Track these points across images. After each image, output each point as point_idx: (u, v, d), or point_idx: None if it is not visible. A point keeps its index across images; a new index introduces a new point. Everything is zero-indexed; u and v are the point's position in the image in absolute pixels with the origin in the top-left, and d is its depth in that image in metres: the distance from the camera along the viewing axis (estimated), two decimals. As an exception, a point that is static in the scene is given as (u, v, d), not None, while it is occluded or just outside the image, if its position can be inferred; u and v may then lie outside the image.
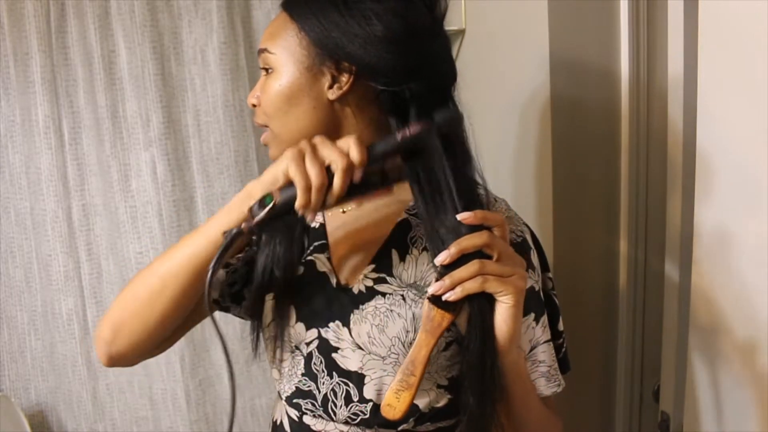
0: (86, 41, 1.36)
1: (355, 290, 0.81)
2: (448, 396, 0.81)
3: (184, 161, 1.46)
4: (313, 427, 0.84)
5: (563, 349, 0.87)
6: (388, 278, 0.80)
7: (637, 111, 1.15)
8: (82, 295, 1.45)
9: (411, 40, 0.74)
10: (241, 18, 1.45)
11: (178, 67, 1.43)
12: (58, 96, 1.37)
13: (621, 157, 1.17)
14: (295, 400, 0.85)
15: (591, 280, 1.22)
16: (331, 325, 0.81)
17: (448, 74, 0.79)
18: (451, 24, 1.39)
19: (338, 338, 0.81)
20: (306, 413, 0.85)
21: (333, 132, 0.78)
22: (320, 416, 0.83)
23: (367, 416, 0.80)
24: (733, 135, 0.87)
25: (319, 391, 0.82)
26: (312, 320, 0.83)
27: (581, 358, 1.21)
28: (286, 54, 0.77)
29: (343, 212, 0.85)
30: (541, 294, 0.82)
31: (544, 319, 0.82)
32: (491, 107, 1.31)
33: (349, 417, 0.81)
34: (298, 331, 0.83)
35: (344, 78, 0.76)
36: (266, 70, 0.80)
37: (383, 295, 0.79)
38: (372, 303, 0.79)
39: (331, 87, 0.77)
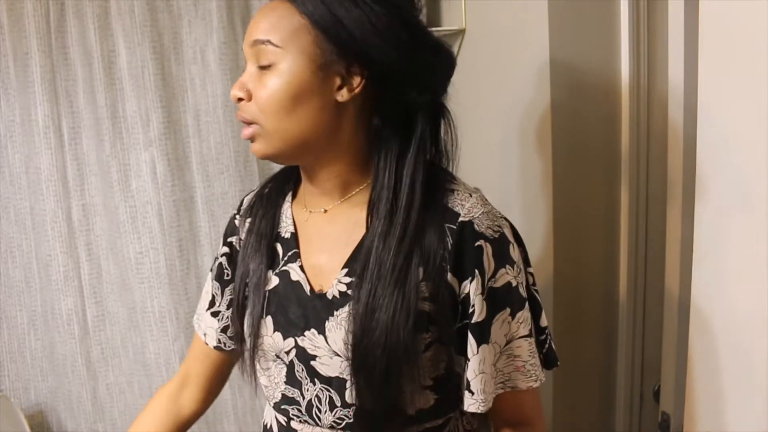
0: (86, 41, 1.36)
1: (329, 296, 0.80)
2: (435, 396, 0.81)
3: (184, 161, 1.46)
4: (300, 431, 0.85)
5: (547, 345, 0.84)
6: (359, 283, 0.78)
7: (637, 113, 1.15)
8: (82, 295, 1.44)
9: (424, 48, 0.77)
10: (241, 18, 1.45)
11: (178, 67, 1.43)
12: (57, 96, 1.37)
13: (621, 159, 1.17)
14: (282, 407, 0.85)
15: (591, 281, 1.22)
16: (307, 333, 0.81)
17: (444, 84, 0.82)
18: (451, 24, 1.40)
19: (315, 346, 0.80)
20: (293, 419, 0.85)
21: (331, 134, 0.77)
22: (306, 421, 0.84)
23: (351, 421, 0.80)
24: (734, 139, 0.87)
25: (304, 398, 0.82)
26: (288, 329, 0.82)
27: (582, 359, 1.22)
28: (296, 50, 0.73)
29: (325, 211, 0.84)
30: (521, 289, 0.79)
31: (521, 314, 0.79)
32: (491, 107, 1.31)
33: (334, 422, 0.81)
34: (276, 340, 0.83)
35: (355, 80, 0.75)
36: (262, 65, 0.75)
37: (357, 300, 0.77)
38: (346, 309, 0.78)
39: (340, 88, 0.75)
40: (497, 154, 1.30)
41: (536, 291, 0.84)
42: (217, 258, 0.96)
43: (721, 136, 0.89)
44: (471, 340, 0.77)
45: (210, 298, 0.96)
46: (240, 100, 0.77)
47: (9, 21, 1.32)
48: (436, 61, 0.79)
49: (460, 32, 1.37)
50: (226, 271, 0.94)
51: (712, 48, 0.88)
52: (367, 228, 0.78)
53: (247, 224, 0.90)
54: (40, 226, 1.41)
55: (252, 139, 0.78)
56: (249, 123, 0.77)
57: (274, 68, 0.74)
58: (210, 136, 1.46)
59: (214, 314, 0.95)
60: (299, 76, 0.74)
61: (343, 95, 0.75)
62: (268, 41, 0.74)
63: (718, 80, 0.88)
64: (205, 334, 0.95)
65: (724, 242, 0.90)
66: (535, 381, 0.80)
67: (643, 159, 1.16)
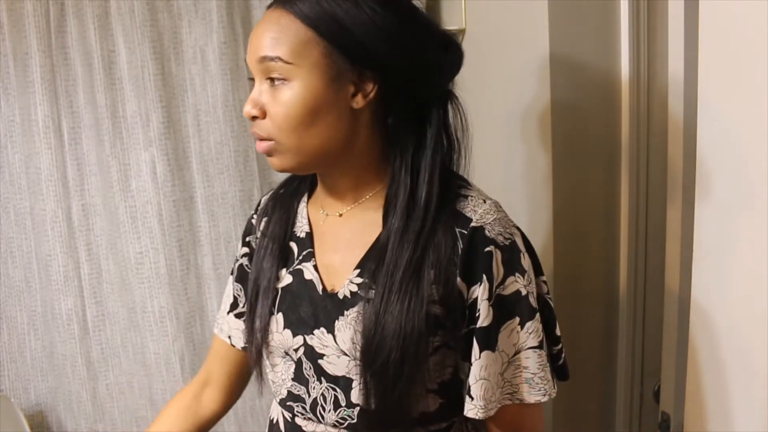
0: (86, 41, 1.36)
1: (341, 296, 0.81)
2: (440, 400, 0.81)
3: (184, 161, 1.46)
4: (304, 428, 0.85)
5: (563, 355, 0.84)
6: (372, 284, 0.79)
7: (638, 111, 1.15)
8: (82, 295, 1.44)
9: (433, 46, 0.77)
10: (241, 18, 1.45)
11: (178, 67, 1.43)
12: (57, 96, 1.37)
13: (621, 157, 1.17)
14: (288, 403, 0.86)
15: (591, 280, 1.22)
16: (316, 332, 0.81)
17: (453, 77, 0.83)
18: (451, 24, 1.40)
19: (323, 345, 0.81)
20: (297, 415, 0.86)
21: (349, 141, 0.77)
22: (310, 419, 0.84)
23: (355, 420, 0.80)
24: (735, 137, 0.87)
25: (309, 395, 0.83)
26: (298, 327, 0.83)
27: (582, 359, 1.21)
28: (308, 65, 0.72)
29: (340, 215, 0.85)
30: (531, 299, 0.78)
31: (531, 324, 0.77)
32: (491, 107, 1.31)
33: (337, 421, 0.81)
34: (285, 337, 0.84)
35: (369, 85, 0.75)
36: (272, 79, 0.73)
37: (368, 300, 0.78)
38: (356, 309, 0.78)
39: (354, 95, 0.75)
40: (498, 154, 1.30)
41: (550, 299, 0.83)
42: (237, 260, 0.96)
43: (722, 134, 0.89)
44: (475, 345, 0.77)
45: (232, 300, 0.96)
46: (254, 118, 0.76)
47: (9, 21, 1.32)
48: (445, 57, 0.79)
49: (460, 32, 1.37)
50: (248, 270, 0.94)
51: (712, 46, 0.88)
52: (383, 227, 0.79)
53: (262, 224, 0.91)
54: (40, 226, 1.41)
55: (269, 153, 0.77)
56: (268, 140, 0.76)
57: (288, 84, 0.73)
58: (210, 136, 1.46)
59: (239, 315, 0.95)
60: (314, 90, 0.72)
61: (357, 102, 0.75)
62: (278, 58, 0.72)
63: (719, 78, 0.88)
64: (230, 337, 0.96)
65: (724, 241, 0.90)
66: (543, 395, 0.79)
67: (643, 158, 1.16)
